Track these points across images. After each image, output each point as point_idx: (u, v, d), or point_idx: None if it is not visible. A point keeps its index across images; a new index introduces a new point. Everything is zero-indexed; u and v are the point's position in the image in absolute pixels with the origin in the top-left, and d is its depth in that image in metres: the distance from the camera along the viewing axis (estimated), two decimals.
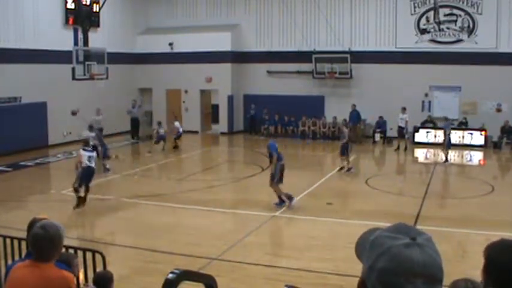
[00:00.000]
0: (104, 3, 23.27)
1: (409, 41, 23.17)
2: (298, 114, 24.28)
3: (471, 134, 21.81)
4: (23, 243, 5.76)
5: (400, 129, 21.27)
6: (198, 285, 4.16)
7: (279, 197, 12.28)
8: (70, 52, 20.59)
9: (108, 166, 16.44)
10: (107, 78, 22.08)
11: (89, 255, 6.39)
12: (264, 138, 24.49)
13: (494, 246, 1.82)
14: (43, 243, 3.20)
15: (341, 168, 16.68)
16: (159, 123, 21.86)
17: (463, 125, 22.15)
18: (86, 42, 22.52)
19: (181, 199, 13.56)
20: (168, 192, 14.27)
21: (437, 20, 22.85)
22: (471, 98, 22.28)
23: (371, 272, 1.33)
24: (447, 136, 18.46)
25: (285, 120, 24.79)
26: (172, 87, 26.56)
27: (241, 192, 12.42)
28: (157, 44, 25.99)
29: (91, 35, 22.84)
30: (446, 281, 1.78)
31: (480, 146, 21.53)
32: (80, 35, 22.56)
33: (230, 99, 25.75)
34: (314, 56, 24.09)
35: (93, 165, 12.25)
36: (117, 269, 6.36)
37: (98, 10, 23.21)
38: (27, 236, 4.01)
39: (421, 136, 22.66)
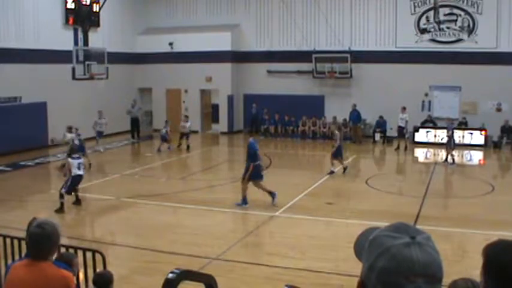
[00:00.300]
0: (104, 3, 23.28)
1: (409, 40, 23.16)
2: (298, 114, 24.28)
3: (471, 133, 21.80)
4: (23, 243, 5.76)
5: (400, 129, 21.28)
6: (198, 285, 4.16)
7: (244, 197, 12.36)
8: (70, 52, 20.61)
9: None
10: (107, 78, 22.10)
11: (89, 255, 6.39)
12: (264, 138, 24.51)
13: (493, 246, 1.82)
14: (41, 241, 3.18)
15: (331, 172, 16.20)
16: (166, 122, 21.83)
17: (463, 125, 22.15)
18: (86, 42, 22.55)
19: (181, 199, 13.56)
20: (168, 192, 14.27)
21: (437, 20, 22.85)
22: (471, 97, 22.28)
23: (371, 272, 1.33)
24: (451, 136, 18.30)
25: (285, 120, 24.79)
26: (172, 87, 26.57)
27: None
28: (157, 44, 25.99)
29: (91, 35, 22.86)
30: (446, 280, 1.78)
31: (480, 145, 21.53)
32: (80, 35, 22.58)
33: (230, 98, 25.75)
34: (314, 55, 24.09)
35: (82, 172, 12.32)
36: (117, 269, 6.36)
37: (98, 10, 23.22)
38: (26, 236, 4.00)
39: (421, 136, 22.66)
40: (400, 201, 13.43)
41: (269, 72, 25.48)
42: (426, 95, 23.25)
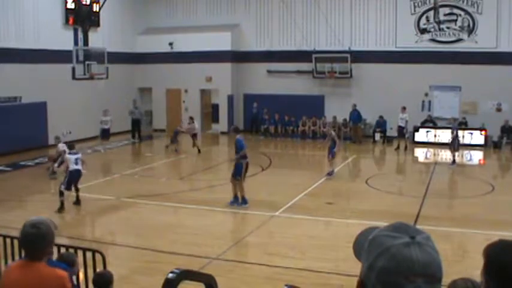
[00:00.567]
0: (103, 3, 23.28)
1: (409, 40, 23.16)
2: (298, 114, 24.28)
3: (471, 133, 21.80)
4: None
5: (400, 129, 21.28)
6: (198, 285, 4.16)
7: (235, 195, 12.39)
8: (70, 52, 20.61)
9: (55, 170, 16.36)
10: (107, 77, 22.10)
11: (89, 255, 6.40)
12: (263, 138, 24.52)
13: (493, 246, 1.82)
14: (36, 242, 3.11)
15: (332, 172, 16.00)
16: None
17: (463, 125, 22.14)
18: (86, 42, 22.55)
19: (181, 199, 13.56)
20: (168, 192, 14.27)
21: (437, 20, 22.85)
22: (471, 97, 22.28)
23: (370, 272, 1.32)
24: (456, 137, 18.22)
25: (285, 120, 24.79)
26: (172, 86, 26.57)
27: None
28: (157, 44, 25.99)
29: (91, 34, 22.87)
30: (446, 280, 1.78)
31: (480, 145, 21.53)
32: (80, 35, 22.58)
33: (230, 98, 25.75)
34: (314, 55, 24.09)
35: (80, 167, 12.29)
36: (117, 269, 6.36)
37: (98, 10, 23.22)
38: None
39: (421, 136, 22.66)
40: (400, 201, 13.43)
41: (269, 72, 25.48)
42: (426, 95, 23.25)
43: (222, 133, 25.83)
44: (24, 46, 19.90)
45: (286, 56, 24.83)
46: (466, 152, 20.84)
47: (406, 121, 21.14)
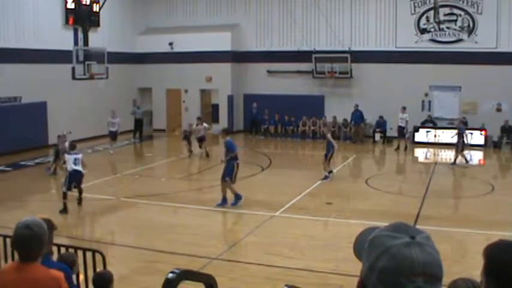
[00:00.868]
0: (103, 3, 23.27)
1: (409, 40, 23.16)
2: (298, 114, 24.27)
3: (471, 133, 21.76)
4: None
5: (401, 129, 21.27)
6: (198, 285, 4.16)
7: (224, 197, 12.26)
8: (70, 52, 20.59)
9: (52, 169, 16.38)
10: (107, 78, 22.09)
11: (89, 255, 6.40)
12: (263, 138, 24.52)
13: (493, 246, 1.82)
14: (31, 243, 3.04)
15: (330, 172, 15.62)
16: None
17: (456, 124, 22.10)
18: (86, 42, 22.54)
19: (181, 199, 13.56)
20: (168, 191, 14.27)
21: (437, 20, 22.84)
22: (471, 97, 22.27)
23: (371, 272, 1.33)
24: (462, 138, 17.98)
25: (285, 120, 24.79)
26: (172, 86, 26.57)
27: (241, 191, 12.40)
28: (157, 44, 25.99)
29: (91, 35, 22.86)
30: (446, 280, 1.78)
31: (480, 145, 21.52)
32: (80, 35, 22.57)
33: (230, 98, 25.75)
34: (314, 55, 24.09)
35: (79, 168, 12.12)
36: (117, 269, 6.36)
37: (98, 10, 23.21)
38: None
39: (421, 136, 22.66)
40: (400, 201, 13.43)
41: (269, 72, 25.48)
42: (426, 95, 23.24)
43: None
44: (24, 46, 19.90)
45: (286, 56, 24.83)
46: (466, 152, 20.82)
47: (407, 121, 21.13)
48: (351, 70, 23.72)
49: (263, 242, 10.14)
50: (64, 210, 11.74)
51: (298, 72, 24.81)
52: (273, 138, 24.52)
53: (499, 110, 22.11)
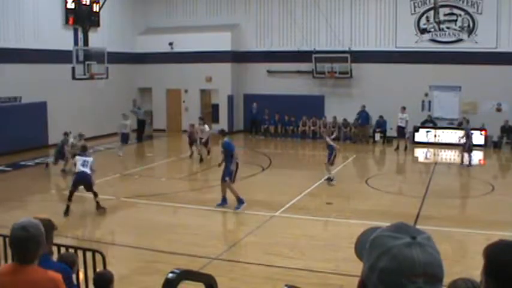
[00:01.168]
0: (103, 3, 23.27)
1: (409, 40, 23.16)
2: (298, 114, 24.28)
3: (471, 133, 21.75)
4: None
5: (400, 129, 21.27)
6: (198, 285, 4.16)
7: (237, 197, 12.15)
8: (70, 52, 20.60)
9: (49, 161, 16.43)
10: (107, 78, 22.09)
11: (89, 255, 6.40)
12: (263, 138, 24.52)
13: (493, 247, 1.82)
14: (28, 245, 3.00)
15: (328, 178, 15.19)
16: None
17: (462, 125, 22.12)
18: (86, 42, 22.54)
19: (181, 199, 13.56)
20: (168, 191, 14.27)
21: (437, 20, 22.84)
22: (471, 97, 22.27)
23: (371, 272, 1.33)
24: (468, 139, 17.96)
25: (285, 120, 24.79)
26: (172, 87, 26.57)
27: (241, 192, 12.40)
28: (157, 44, 25.99)
29: (91, 35, 22.86)
30: (446, 280, 1.78)
31: (480, 145, 21.51)
32: (80, 35, 22.58)
33: (230, 98, 25.75)
34: (314, 55, 24.09)
35: (86, 170, 11.81)
36: (117, 269, 6.36)
37: (98, 10, 23.22)
38: None
39: (421, 136, 22.66)
40: (400, 201, 13.44)
41: (269, 72, 25.48)
42: (426, 95, 23.24)
43: None
44: (24, 46, 19.90)
45: (286, 56, 24.83)
46: (465, 152, 20.84)
47: (406, 121, 21.13)
48: (351, 70, 23.72)
49: (263, 242, 10.14)
50: (66, 212, 11.66)
51: (298, 72, 24.81)
52: (273, 138, 24.52)
53: (499, 110, 22.11)
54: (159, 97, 26.97)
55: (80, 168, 11.84)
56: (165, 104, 27.09)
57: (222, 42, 25.18)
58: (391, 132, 22.49)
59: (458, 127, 21.96)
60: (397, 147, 21.23)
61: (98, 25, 23.36)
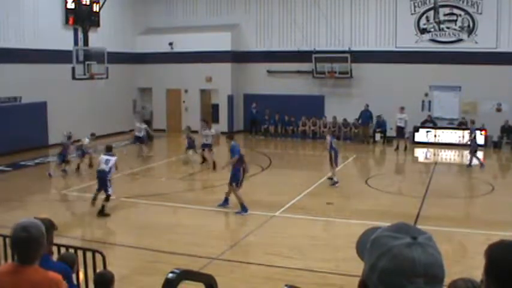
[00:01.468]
0: (103, 3, 23.27)
1: (409, 40, 23.16)
2: (298, 114, 24.28)
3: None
4: None
5: (399, 129, 21.26)
6: (198, 285, 4.16)
7: (241, 204, 11.91)
8: (70, 52, 20.61)
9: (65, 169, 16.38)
10: (107, 78, 22.09)
11: (89, 255, 6.40)
12: (264, 138, 24.51)
13: (495, 246, 1.81)
14: (28, 246, 3.00)
15: (331, 179, 15.03)
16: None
17: (463, 125, 22.14)
18: (86, 42, 22.55)
19: (181, 199, 13.56)
20: (169, 192, 14.27)
21: (437, 20, 22.84)
22: (471, 97, 22.27)
23: (372, 272, 1.32)
24: (473, 140, 17.92)
25: (285, 120, 24.79)
26: (172, 87, 26.57)
27: (242, 192, 12.40)
28: (157, 44, 25.99)
29: (91, 35, 22.86)
30: (447, 280, 1.78)
31: (480, 145, 21.48)
32: (80, 35, 22.58)
33: (230, 98, 25.75)
34: (314, 55, 24.09)
35: (106, 167, 11.90)
36: (117, 269, 6.35)
37: (98, 10, 23.22)
38: None
39: (421, 136, 22.65)
40: (400, 201, 13.43)
41: (269, 72, 25.48)
42: (426, 95, 23.24)
43: (222, 133, 25.80)
44: (24, 46, 19.90)
45: (286, 56, 24.83)
46: (466, 152, 20.83)
47: (405, 121, 21.12)
48: (351, 70, 23.72)
49: (263, 242, 10.14)
50: (102, 212, 11.66)
51: (298, 72, 24.81)
52: (273, 138, 24.52)
53: (499, 110, 22.11)
54: (159, 97, 26.97)
55: (102, 166, 12.00)
56: (165, 104, 27.09)
57: (222, 42, 25.18)
58: (391, 132, 22.49)
59: (459, 127, 21.98)
60: (397, 147, 21.23)
61: (98, 25, 23.36)
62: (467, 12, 22.38)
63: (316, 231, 10.91)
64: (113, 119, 22.97)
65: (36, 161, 18.58)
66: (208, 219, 11.70)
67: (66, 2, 21.74)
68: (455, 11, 22.59)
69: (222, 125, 25.97)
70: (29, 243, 3.01)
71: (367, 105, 23.21)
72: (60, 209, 11.88)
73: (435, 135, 22.42)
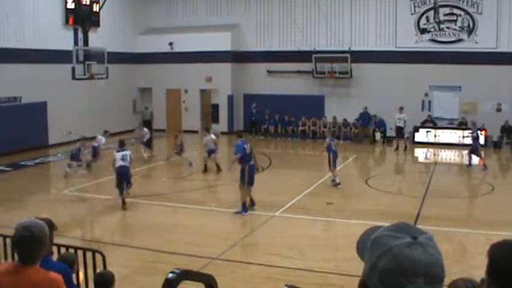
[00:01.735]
0: (103, 3, 23.27)
1: (409, 40, 23.16)
2: (298, 114, 24.28)
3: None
4: None
5: (399, 129, 21.26)
6: (198, 285, 4.16)
7: (243, 204, 11.93)
8: (70, 52, 20.60)
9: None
10: (107, 78, 22.09)
11: (89, 255, 6.40)
12: (263, 138, 24.51)
13: (497, 246, 1.81)
14: (31, 246, 2.99)
15: (333, 180, 14.93)
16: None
17: (462, 125, 22.14)
18: (86, 42, 22.54)
19: (181, 199, 13.56)
20: (169, 192, 14.27)
21: (437, 20, 22.84)
22: (471, 97, 22.27)
23: (372, 272, 1.32)
24: (475, 141, 17.87)
25: (285, 120, 24.79)
26: (172, 87, 26.58)
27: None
28: (157, 44, 26.00)
29: (91, 35, 22.86)
30: (447, 280, 1.78)
31: (480, 145, 21.47)
32: (80, 35, 22.58)
33: (230, 98, 25.75)
34: (314, 55, 24.09)
35: (126, 163, 12.33)
36: (117, 269, 6.35)
37: (98, 10, 23.22)
38: None
39: (421, 136, 22.65)
40: (400, 201, 13.43)
41: (269, 72, 25.48)
42: (426, 95, 23.24)
43: (222, 133, 25.81)
44: (24, 46, 19.90)
45: (286, 56, 24.83)
46: (466, 152, 20.83)
47: (405, 121, 21.11)
48: (351, 70, 23.71)
49: (263, 242, 10.15)
50: (123, 204, 12.08)
51: (298, 72, 24.81)
52: (273, 138, 24.51)
53: (499, 110, 22.11)
54: (159, 97, 26.97)
55: (120, 162, 12.24)
56: (165, 104, 27.09)
57: (222, 42, 25.18)
58: (391, 132, 22.49)
59: (459, 127, 21.98)
60: (397, 147, 21.24)
61: (98, 25, 23.36)
62: (467, 12, 22.38)
63: (316, 231, 10.91)
64: (113, 119, 22.94)
65: (36, 161, 18.58)
66: (208, 219, 11.70)
67: (66, 2, 21.74)
68: (455, 11, 22.59)
69: (222, 125, 26.00)
70: (31, 243, 3.00)
71: (366, 108, 23.22)
72: (60, 209, 11.88)
73: (435, 135, 22.42)
